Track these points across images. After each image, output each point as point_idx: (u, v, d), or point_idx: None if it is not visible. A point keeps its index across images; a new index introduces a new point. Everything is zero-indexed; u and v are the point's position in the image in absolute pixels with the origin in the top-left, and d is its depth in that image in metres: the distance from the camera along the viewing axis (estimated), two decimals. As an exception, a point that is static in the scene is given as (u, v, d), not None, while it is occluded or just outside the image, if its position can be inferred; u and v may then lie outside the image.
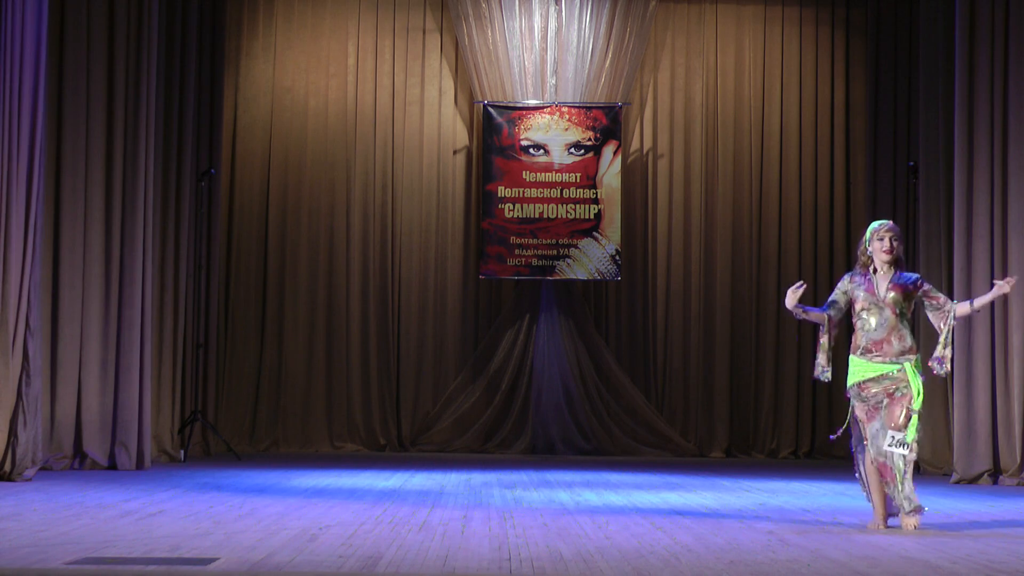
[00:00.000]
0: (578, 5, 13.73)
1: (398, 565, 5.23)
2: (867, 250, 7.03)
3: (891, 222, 7.11)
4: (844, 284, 7.10)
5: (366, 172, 13.97)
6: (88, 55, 10.42)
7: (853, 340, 7.05)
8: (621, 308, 14.02)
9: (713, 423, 13.82)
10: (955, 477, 10.39)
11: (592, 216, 13.69)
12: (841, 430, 7.24)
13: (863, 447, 7.00)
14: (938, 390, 11.07)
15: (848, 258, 13.95)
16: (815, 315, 7.11)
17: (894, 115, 13.17)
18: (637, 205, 14.03)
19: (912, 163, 12.24)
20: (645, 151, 14.10)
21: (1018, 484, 10.07)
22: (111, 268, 10.45)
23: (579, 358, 13.78)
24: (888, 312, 6.93)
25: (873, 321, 6.96)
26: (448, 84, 14.09)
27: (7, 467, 9.04)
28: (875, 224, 7.09)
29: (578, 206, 13.71)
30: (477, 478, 10.13)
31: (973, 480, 10.27)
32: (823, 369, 7.11)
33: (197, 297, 12.43)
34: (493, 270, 13.71)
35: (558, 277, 13.69)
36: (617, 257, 13.66)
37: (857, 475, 7.13)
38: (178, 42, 11.81)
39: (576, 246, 13.66)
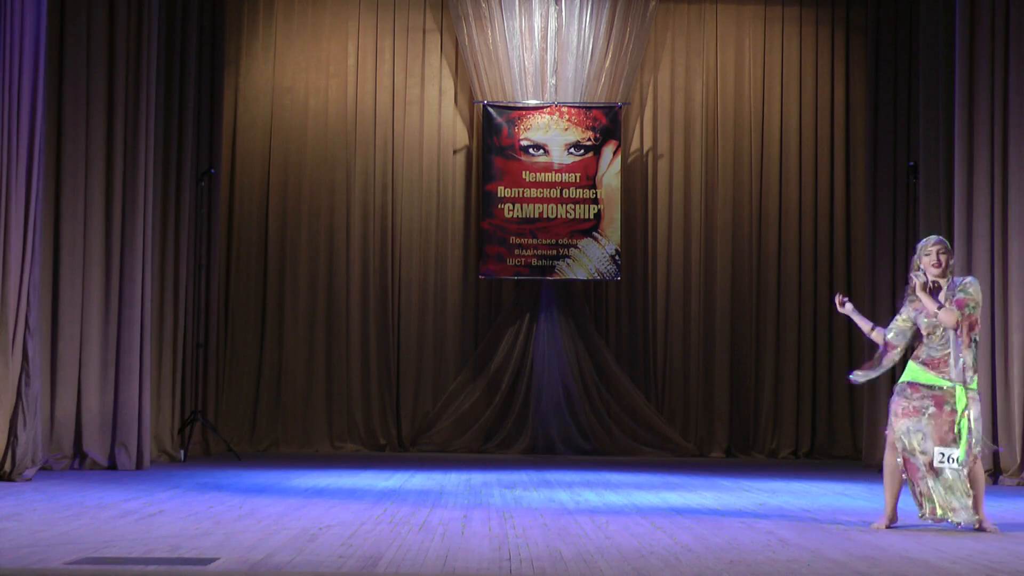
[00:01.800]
0: (578, 5, 13.73)
1: (398, 565, 5.23)
2: (919, 268, 6.98)
3: (937, 236, 7.10)
4: (907, 312, 7.06)
5: (366, 172, 13.97)
6: (88, 55, 10.41)
7: (916, 350, 7.05)
8: (621, 308, 14.02)
9: (713, 423, 13.82)
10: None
11: (592, 216, 13.69)
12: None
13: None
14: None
15: (848, 257, 13.96)
16: (874, 333, 7.21)
17: (894, 115, 13.15)
18: (637, 205, 14.03)
19: (912, 163, 12.23)
20: (645, 151, 14.10)
21: (1018, 484, 10.07)
22: (111, 268, 10.45)
23: (579, 358, 13.78)
24: (951, 332, 6.92)
25: (935, 340, 6.96)
26: (448, 84, 14.09)
27: (7, 467, 9.03)
28: (921, 241, 7.07)
29: (578, 206, 13.70)
30: (477, 478, 10.12)
31: (973, 480, 10.25)
32: (861, 377, 7.20)
33: (197, 297, 12.43)
34: (493, 270, 13.71)
35: (558, 277, 13.69)
36: (617, 257, 13.66)
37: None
38: (178, 42, 11.80)
39: (576, 246, 13.66)
